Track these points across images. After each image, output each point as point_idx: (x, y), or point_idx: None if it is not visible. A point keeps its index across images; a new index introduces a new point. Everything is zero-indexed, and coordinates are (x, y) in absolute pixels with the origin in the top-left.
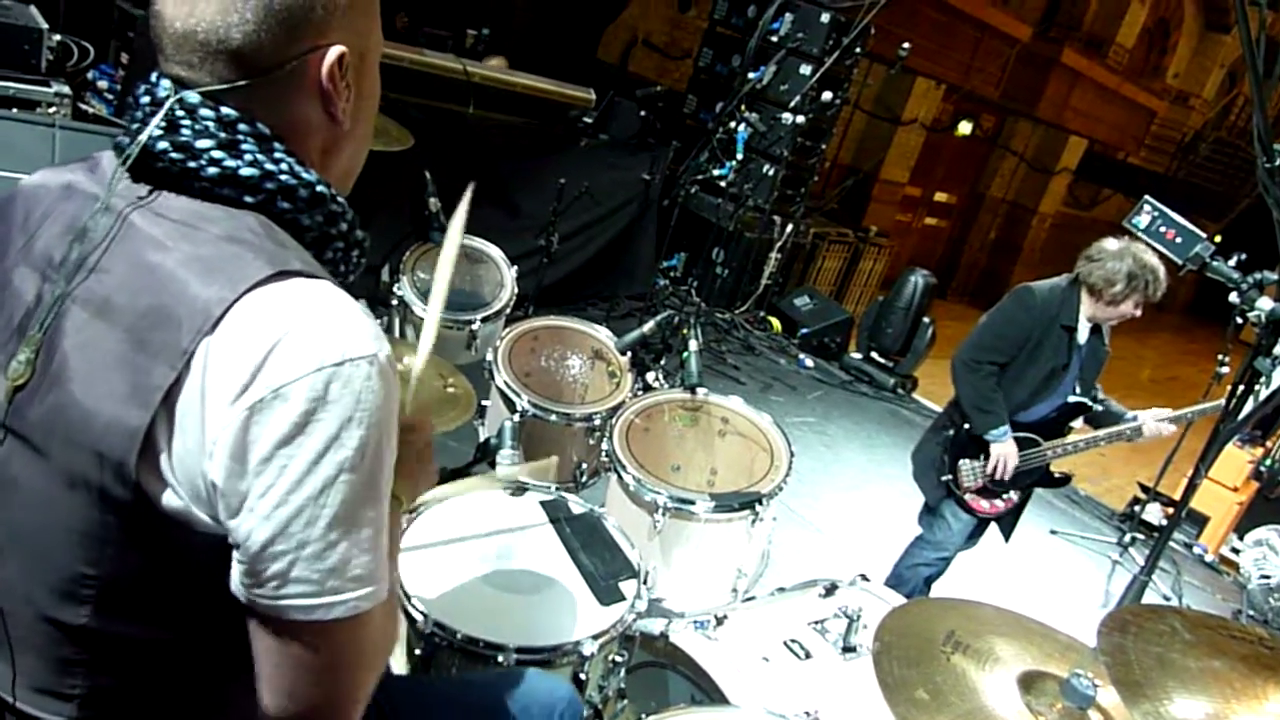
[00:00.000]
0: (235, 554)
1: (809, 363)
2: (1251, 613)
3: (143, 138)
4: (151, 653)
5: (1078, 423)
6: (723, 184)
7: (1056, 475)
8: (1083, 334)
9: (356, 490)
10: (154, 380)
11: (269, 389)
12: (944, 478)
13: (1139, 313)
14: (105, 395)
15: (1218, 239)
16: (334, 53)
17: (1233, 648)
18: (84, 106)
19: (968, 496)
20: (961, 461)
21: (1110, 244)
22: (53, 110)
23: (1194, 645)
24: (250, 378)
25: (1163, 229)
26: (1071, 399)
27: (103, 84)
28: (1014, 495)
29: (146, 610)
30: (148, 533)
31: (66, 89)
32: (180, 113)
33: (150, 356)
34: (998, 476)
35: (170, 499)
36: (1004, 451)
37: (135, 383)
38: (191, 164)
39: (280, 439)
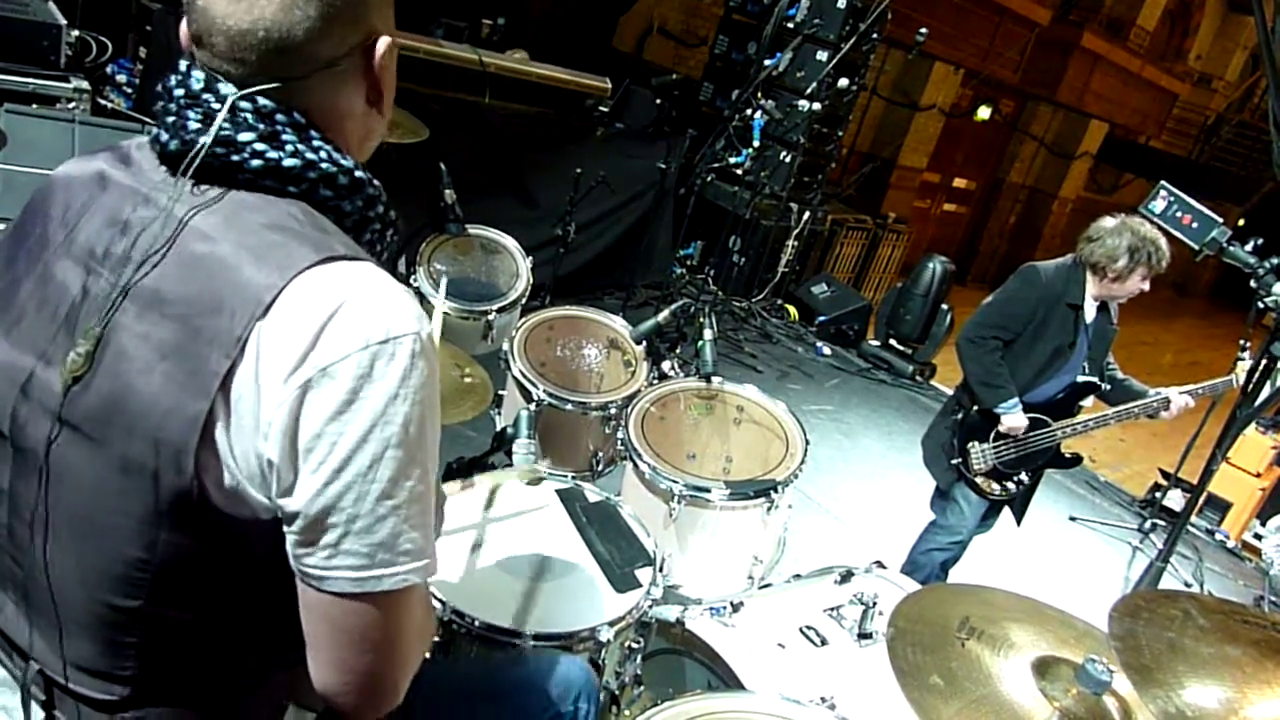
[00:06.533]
0: (287, 529)
1: (826, 350)
2: (1274, 599)
3: (208, 137)
4: (201, 634)
5: (1088, 402)
6: (739, 172)
7: (1067, 455)
8: (1089, 313)
9: (403, 466)
10: (210, 367)
11: (317, 368)
12: (954, 460)
13: (1147, 286)
14: (163, 384)
15: (1241, 222)
16: (384, 42)
17: (1246, 633)
18: (103, 101)
19: (978, 479)
20: (971, 444)
21: (1107, 222)
22: (72, 105)
23: (1207, 631)
24: (301, 358)
25: (1179, 214)
26: (1080, 378)
27: (121, 78)
28: (1024, 477)
29: (197, 594)
30: (201, 518)
31: (85, 84)
32: (216, 106)
33: (205, 344)
34: (1004, 455)
35: (228, 479)
36: (1015, 424)
37: (192, 370)
38: (235, 157)
39: (329, 415)
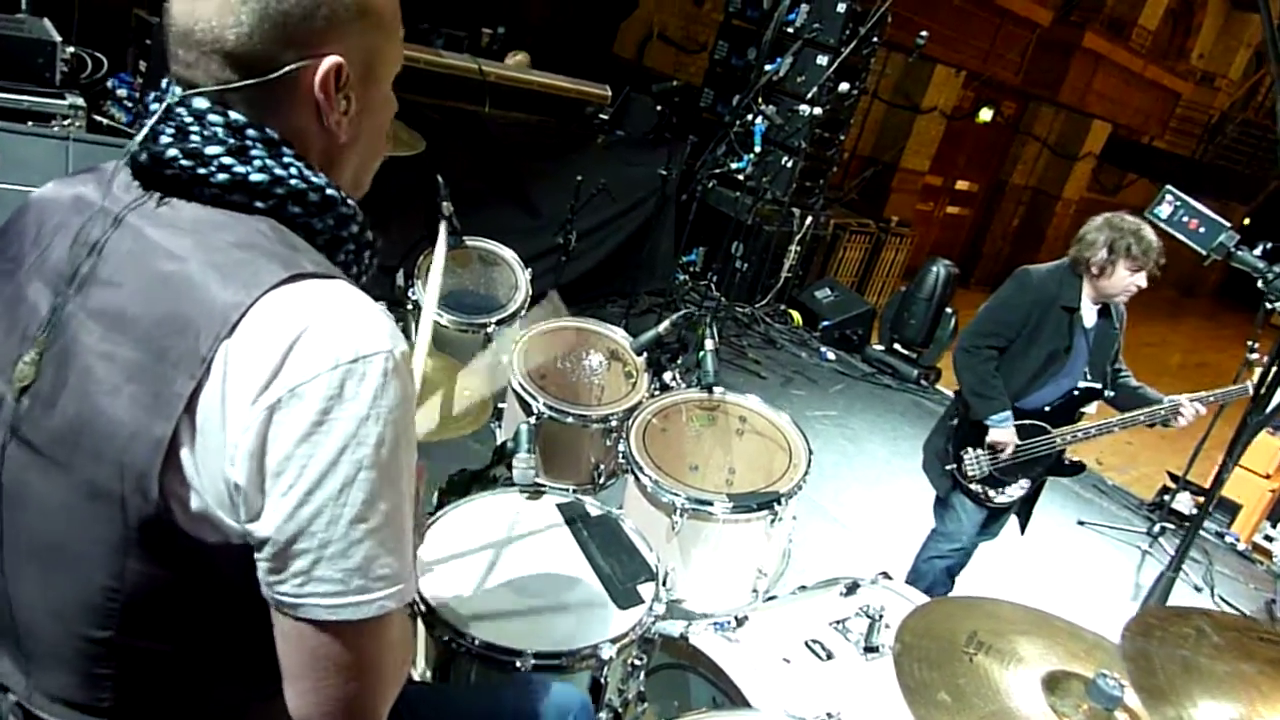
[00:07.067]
0: (258, 555)
1: (831, 355)
2: None
3: (140, 136)
4: (177, 665)
5: (1092, 408)
6: (741, 177)
7: (1068, 463)
8: (1089, 317)
9: (377, 488)
10: (175, 389)
11: (286, 389)
12: (948, 467)
13: (1142, 281)
14: (128, 406)
15: (1246, 221)
16: (328, 64)
17: (1262, 651)
18: (98, 118)
19: (974, 486)
20: (966, 451)
21: (1094, 221)
22: (67, 122)
23: (1222, 648)
24: (269, 379)
25: (1185, 219)
26: (1082, 384)
27: (122, 92)
28: (1023, 484)
29: (170, 623)
30: (170, 544)
31: (80, 101)
32: (189, 119)
33: (170, 365)
34: (1000, 462)
35: (196, 503)
36: (1002, 439)
37: (157, 392)
38: (201, 170)
39: (298, 438)
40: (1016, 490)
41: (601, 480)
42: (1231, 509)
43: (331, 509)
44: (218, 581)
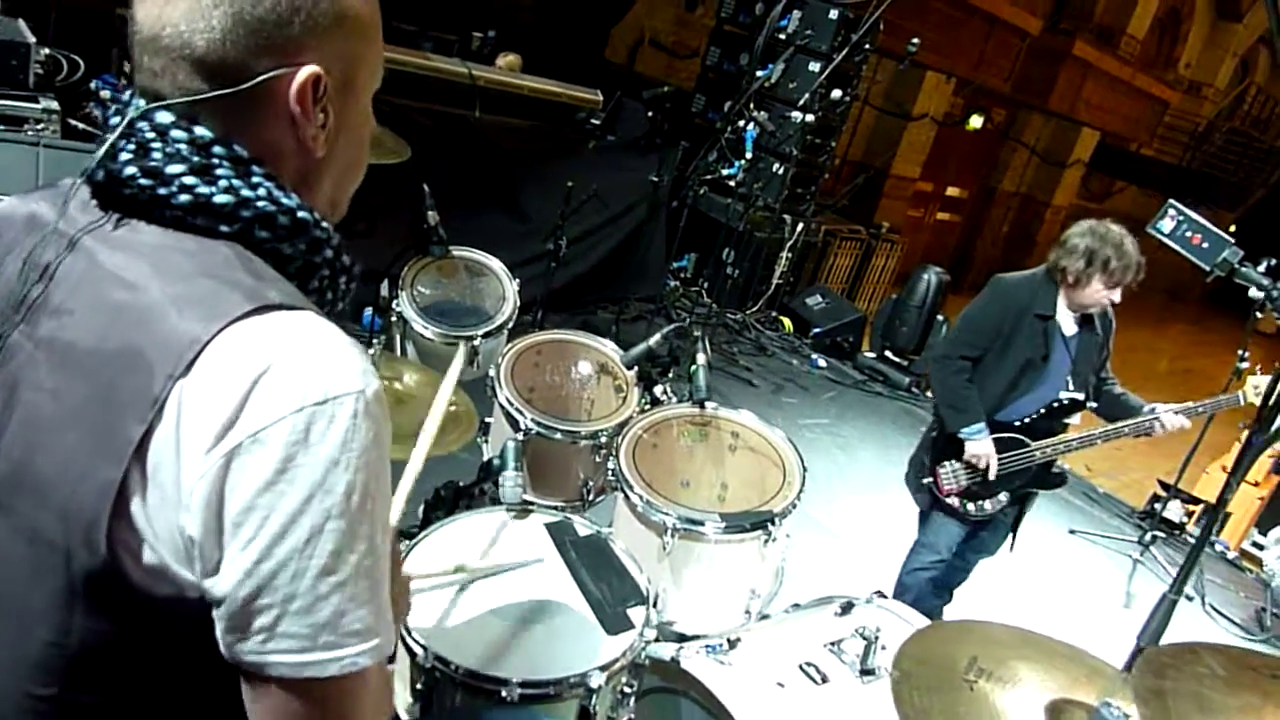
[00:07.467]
0: (216, 613)
1: (822, 363)
2: (1276, 610)
3: (99, 153)
4: None
5: (1076, 419)
6: (732, 184)
7: (1051, 473)
8: (1068, 326)
9: (346, 538)
10: (125, 431)
11: (246, 434)
12: (924, 480)
13: (1115, 296)
14: (74, 448)
15: (1233, 228)
16: (305, 73)
17: (1270, 688)
18: (74, 122)
19: (952, 499)
20: (942, 464)
21: (1080, 226)
22: (40, 127)
23: (1233, 683)
24: (227, 423)
25: (1188, 234)
26: (1064, 395)
27: (105, 93)
28: (1001, 498)
29: (121, 682)
30: (119, 599)
31: (55, 105)
32: (151, 134)
33: (120, 405)
34: (978, 475)
35: (148, 555)
36: (979, 451)
37: (106, 434)
38: (162, 191)
39: (260, 486)
40: (993, 504)
41: (591, 497)
42: (1220, 517)
43: (296, 562)
44: (170, 637)
